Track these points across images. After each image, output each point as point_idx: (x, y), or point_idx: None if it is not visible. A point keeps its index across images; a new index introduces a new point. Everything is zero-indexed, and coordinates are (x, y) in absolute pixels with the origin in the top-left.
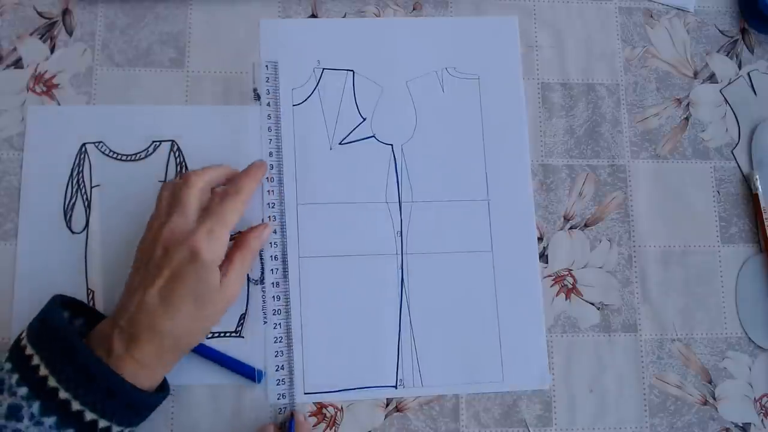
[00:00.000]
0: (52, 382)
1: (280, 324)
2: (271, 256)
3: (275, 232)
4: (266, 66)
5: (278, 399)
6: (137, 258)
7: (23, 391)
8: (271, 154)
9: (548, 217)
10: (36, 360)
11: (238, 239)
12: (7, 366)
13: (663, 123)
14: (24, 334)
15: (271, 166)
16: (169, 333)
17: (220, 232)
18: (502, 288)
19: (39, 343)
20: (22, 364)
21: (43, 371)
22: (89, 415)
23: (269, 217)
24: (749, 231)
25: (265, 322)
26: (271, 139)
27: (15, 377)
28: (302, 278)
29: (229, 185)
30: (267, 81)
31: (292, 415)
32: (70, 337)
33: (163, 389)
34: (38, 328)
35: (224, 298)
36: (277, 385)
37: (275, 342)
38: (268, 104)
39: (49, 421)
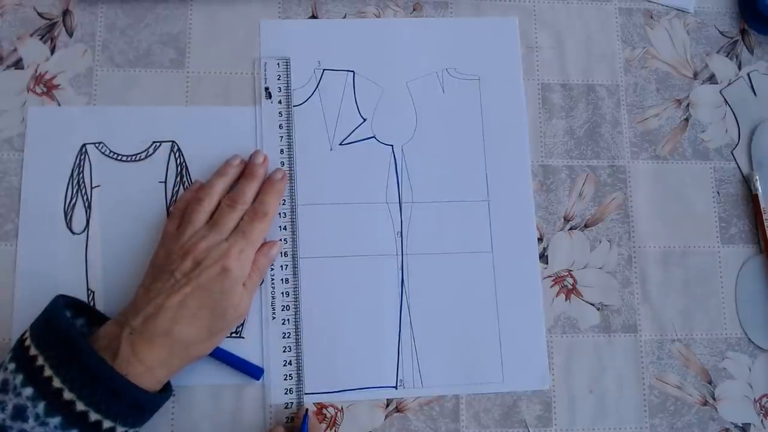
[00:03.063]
0: (57, 383)
1: (288, 320)
2: (282, 253)
3: (285, 228)
4: (278, 63)
5: (285, 394)
6: (158, 264)
7: (28, 391)
8: (282, 151)
9: (548, 218)
10: (41, 360)
11: None
12: (11, 366)
13: (663, 124)
14: (27, 335)
15: (282, 163)
16: (183, 340)
17: (249, 252)
18: (502, 289)
19: (43, 343)
20: (27, 364)
21: (47, 372)
22: (94, 416)
23: (279, 226)
24: (749, 232)
25: (274, 318)
26: (282, 136)
27: (20, 378)
28: (302, 278)
29: (257, 204)
30: (279, 78)
31: (306, 412)
32: (74, 338)
33: (166, 390)
34: (42, 328)
35: (237, 314)
36: (284, 380)
37: (283, 338)
38: (279, 102)
39: (54, 421)
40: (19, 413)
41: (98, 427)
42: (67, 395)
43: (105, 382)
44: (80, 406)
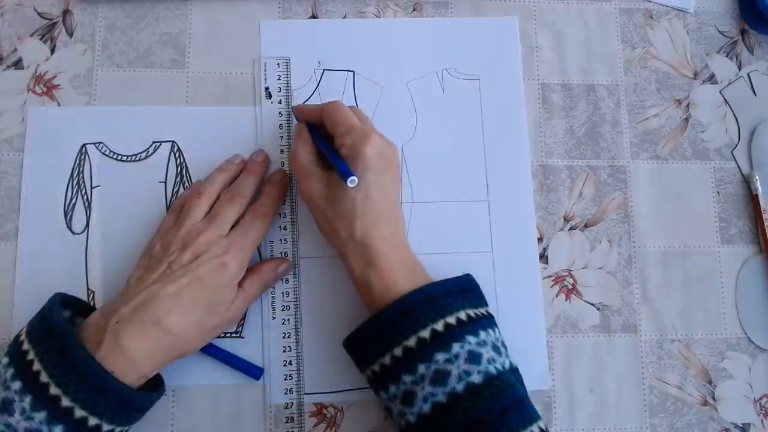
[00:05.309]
0: (44, 378)
1: (288, 320)
2: (282, 253)
3: (285, 228)
4: (278, 63)
5: (285, 394)
6: (153, 254)
7: (17, 385)
8: (282, 151)
9: (548, 218)
10: (31, 355)
11: (255, 267)
12: (5, 360)
13: (663, 124)
14: (24, 331)
15: (282, 163)
16: (171, 331)
17: (249, 249)
18: (502, 288)
19: (36, 338)
20: (19, 359)
21: (36, 366)
22: (79, 412)
23: (279, 226)
24: (749, 232)
25: (274, 318)
26: (282, 136)
27: (10, 371)
28: (302, 278)
29: (258, 204)
30: (279, 78)
31: None
32: (63, 333)
33: (157, 389)
34: (36, 324)
35: (228, 317)
36: (284, 380)
37: (283, 338)
38: (280, 102)
39: (40, 416)
40: (6, 407)
41: (84, 424)
42: (54, 390)
43: (91, 379)
44: (66, 402)
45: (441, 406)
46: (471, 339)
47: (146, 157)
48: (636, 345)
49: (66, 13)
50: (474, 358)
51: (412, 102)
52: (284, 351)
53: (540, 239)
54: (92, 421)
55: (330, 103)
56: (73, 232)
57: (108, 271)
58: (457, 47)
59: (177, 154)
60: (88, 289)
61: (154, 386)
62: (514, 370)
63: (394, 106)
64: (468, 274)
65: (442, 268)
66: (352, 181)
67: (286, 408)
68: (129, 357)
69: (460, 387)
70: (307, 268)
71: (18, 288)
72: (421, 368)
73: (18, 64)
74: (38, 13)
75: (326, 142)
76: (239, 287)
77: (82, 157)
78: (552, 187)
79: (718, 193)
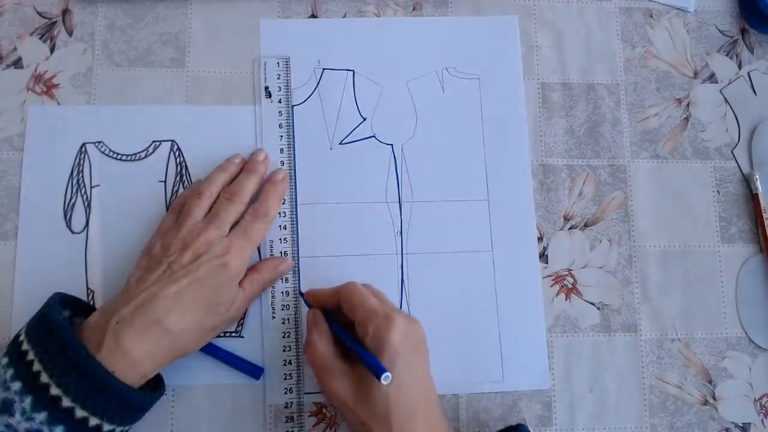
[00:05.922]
0: (44, 378)
1: (288, 319)
2: (282, 253)
3: (285, 228)
4: (277, 63)
5: (285, 394)
6: (153, 255)
7: (17, 386)
8: (282, 150)
9: (548, 217)
10: (31, 355)
11: (254, 267)
12: (4, 361)
13: (663, 123)
14: (23, 331)
15: (282, 163)
16: (172, 332)
17: (249, 249)
18: (502, 288)
19: (35, 339)
20: (19, 359)
21: (36, 366)
22: (80, 413)
23: (279, 226)
24: (749, 231)
25: (273, 317)
26: (282, 136)
27: (10, 372)
28: (302, 279)
29: (258, 204)
30: (278, 78)
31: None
32: (63, 333)
33: (158, 388)
34: (36, 324)
35: (228, 317)
36: (284, 380)
37: (283, 337)
38: (279, 101)
39: (40, 416)
40: (7, 408)
41: (84, 424)
42: (54, 390)
43: (92, 378)
44: (67, 402)
45: None
46: None
47: (146, 156)
48: (636, 344)
49: (66, 12)
50: None
51: (411, 101)
52: (284, 350)
53: (540, 238)
54: (93, 421)
55: (346, 285)
56: (72, 232)
57: (107, 271)
58: (457, 46)
59: (177, 153)
60: (87, 288)
61: (155, 386)
62: None
63: (393, 105)
64: (521, 425)
65: (442, 267)
66: (386, 378)
67: (285, 407)
68: (130, 357)
69: None
70: (307, 268)
71: (17, 287)
72: None
73: (18, 64)
74: (38, 13)
75: (345, 330)
76: (239, 287)
77: (82, 156)
78: (552, 187)
79: (718, 192)
